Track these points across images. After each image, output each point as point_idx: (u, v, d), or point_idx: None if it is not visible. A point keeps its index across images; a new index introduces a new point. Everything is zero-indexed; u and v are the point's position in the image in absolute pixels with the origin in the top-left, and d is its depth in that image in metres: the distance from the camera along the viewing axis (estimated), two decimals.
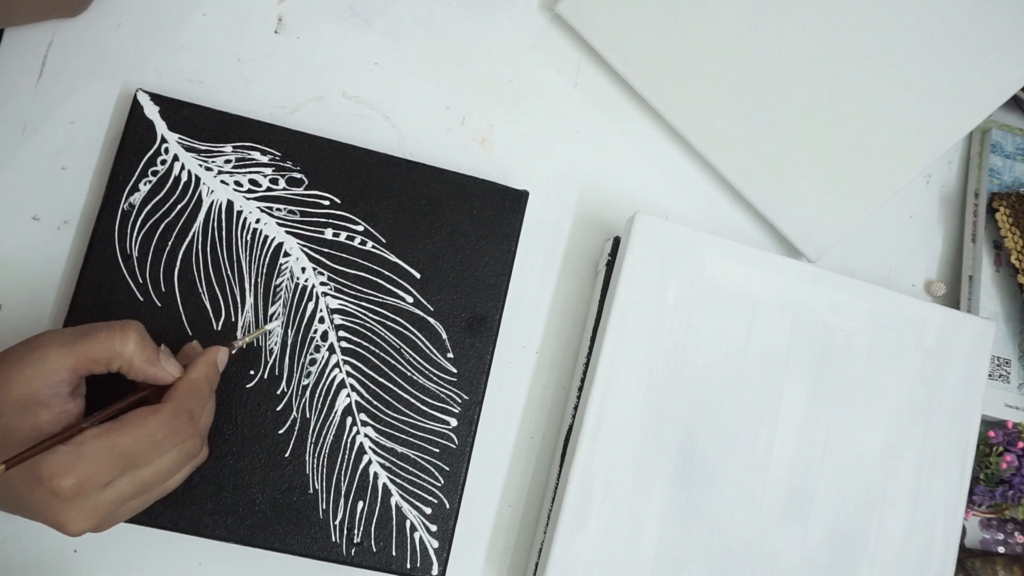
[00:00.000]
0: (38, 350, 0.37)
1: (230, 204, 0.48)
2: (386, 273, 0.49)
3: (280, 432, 0.47)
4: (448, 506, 0.47)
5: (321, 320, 0.48)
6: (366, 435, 0.48)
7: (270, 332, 0.47)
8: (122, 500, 0.37)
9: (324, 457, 0.47)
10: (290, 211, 0.49)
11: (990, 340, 0.51)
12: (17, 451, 0.35)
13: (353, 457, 0.47)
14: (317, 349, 0.48)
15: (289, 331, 0.48)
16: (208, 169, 0.49)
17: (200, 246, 0.48)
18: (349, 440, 0.47)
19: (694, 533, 0.47)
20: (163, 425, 0.37)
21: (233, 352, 0.46)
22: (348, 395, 0.48)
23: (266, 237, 0.49)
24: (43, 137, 0.49)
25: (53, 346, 0.37)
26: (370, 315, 0.49)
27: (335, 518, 0.47)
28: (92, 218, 0.48)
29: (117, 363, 0.38)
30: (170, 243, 0.48)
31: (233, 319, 0.47)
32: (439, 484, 0.48)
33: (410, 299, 0.49)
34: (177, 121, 0.49)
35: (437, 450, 0.48)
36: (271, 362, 0.47)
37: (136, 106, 0.48)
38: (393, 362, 0.48)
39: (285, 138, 0.49)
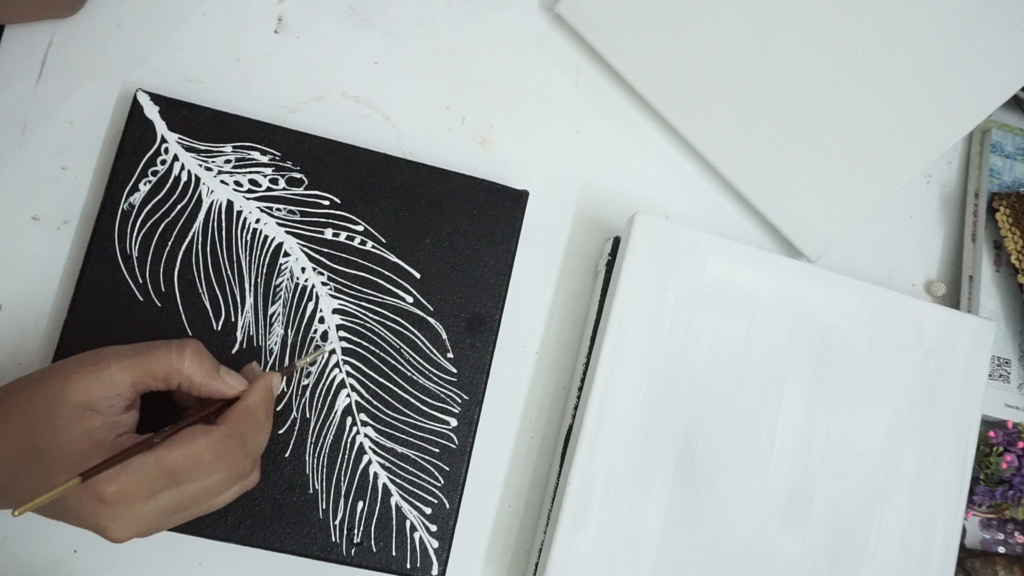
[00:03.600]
0: (100, 362, 0.38)
1: (230, 204, 0.48)
2: (386, 273, 0.49)
3: (280, 432, 0.47)
4: (448, 506, 0.47)
5: (321, 320, 0.48)
6: (366, 435, 0.48)
7: (327, 353, 0.48)
8: (165, 513, 0.38)
9: (324, 457, 0.47)
10: (290, 211, 0.49)
11: (990, 340, 0.51)
12: (68, 452, 0.36)
13: (353, 457, 0.47)
14: (317, 349, 0.48)
15: (289, 331, 0.48)
16: (208, 169, 0.49)
17: (200, 246, 0.48)
18: (349, 440, 0.47)
19: (694, 533, 0.47)
20: (212, 447, 0.38)
21: (296, 374, 0.47)
22: (348, 395, 0.48)
23: (266, 237, 0.49)
24: (43, 137, 0.49)
25: (114, 360, 0.38)
26: (370, 315, 0.49)
27: (335, 518, 0.47)
28: (92, 218, 0.48)
29: (176, 379, 0.39)
30: (170, 243, 0.48)
31: (233, 319, 0.47)
32: (439, 484, 0.48)
33: (410, 299, 0.49)
34: (177, 121, 0.49)
35: (437, 450, 0.48)
36: (271, 362, 0.47)
37: (136, 106, 0.48)
38: (393, 362, 0.48)
39: (285, 138, 0.49)
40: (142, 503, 0.37)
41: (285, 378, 0.46)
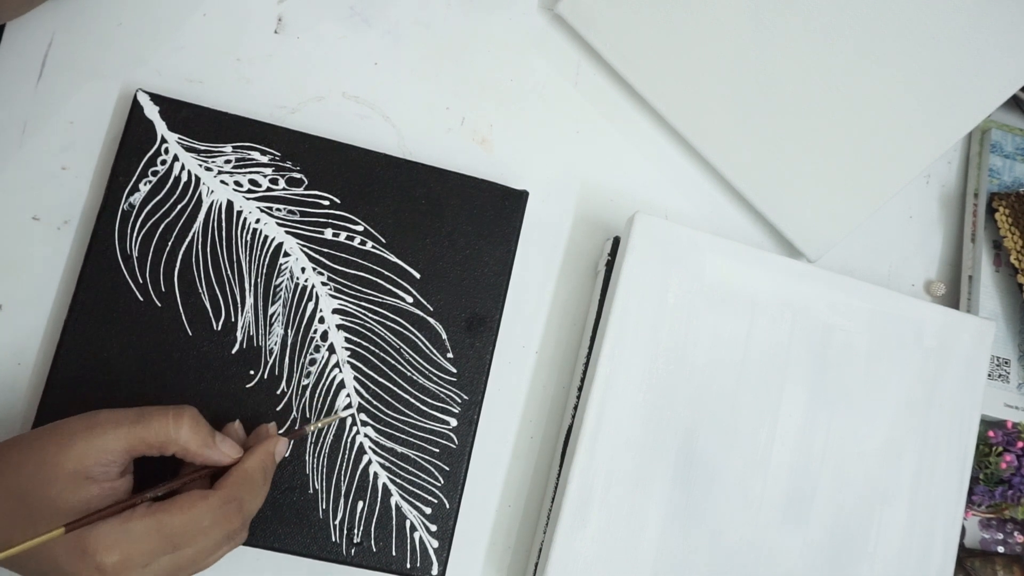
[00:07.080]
0: (95, 428, 0.38)
1: (230, 204, 0.48)
2: (386, 273, 0.49)
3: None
4: (448, 506, 0.48)
5: (321, 320, 0.48)
6: (366, 435, 0.48)
7: (339, 418, 0.47)
8: None
9: (324, 457, 0.47)
10: (290, 211, 0.49)
11: (990, 340, 0.51)
12: (65, 521, 0.36)
13: (353, 457, 0.47)
14: (317, 349, 0.48)
15: (289, 331, 0.48)
16: (208, 169, 0.49)
17: (200, 246, 0.48)
18: (349, 440, 0.47)
19: (694, 533, 0.47)
20: (211, 512, 0.38)
21: (308, 437, 0.47)
22: (348, 395, 0.48)
23: (266, 237, 0.49)
24: (43, 137, 0.49)
25: (109, 427, 0.38)
26: (370, 315, 0.49)
27: (335, 518, 0.47)
28: (92, 218, 0.48)
29: (172, 448, 0.39)
30: (170, 243, 0.48)
31: (233, 319, 0.47)
32: (439, 484, 0.48)
33: (410, 299, 0.49)
34: (177, 121, 0.49)
35: (437, 450, 0.48)
36: (271, 362, 0.47)
37: (136, 106, 0.48)
38: (393, 362, 0.48)
39: (285, 138, 0.49)
40: (140, 570, 0.37)
41: (312, 431, 0.46)
